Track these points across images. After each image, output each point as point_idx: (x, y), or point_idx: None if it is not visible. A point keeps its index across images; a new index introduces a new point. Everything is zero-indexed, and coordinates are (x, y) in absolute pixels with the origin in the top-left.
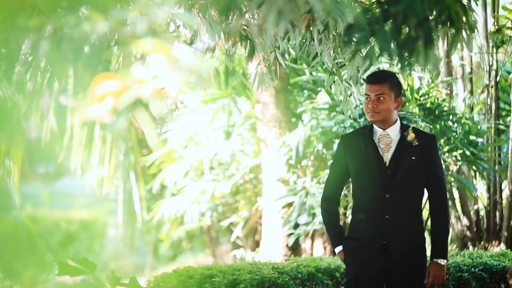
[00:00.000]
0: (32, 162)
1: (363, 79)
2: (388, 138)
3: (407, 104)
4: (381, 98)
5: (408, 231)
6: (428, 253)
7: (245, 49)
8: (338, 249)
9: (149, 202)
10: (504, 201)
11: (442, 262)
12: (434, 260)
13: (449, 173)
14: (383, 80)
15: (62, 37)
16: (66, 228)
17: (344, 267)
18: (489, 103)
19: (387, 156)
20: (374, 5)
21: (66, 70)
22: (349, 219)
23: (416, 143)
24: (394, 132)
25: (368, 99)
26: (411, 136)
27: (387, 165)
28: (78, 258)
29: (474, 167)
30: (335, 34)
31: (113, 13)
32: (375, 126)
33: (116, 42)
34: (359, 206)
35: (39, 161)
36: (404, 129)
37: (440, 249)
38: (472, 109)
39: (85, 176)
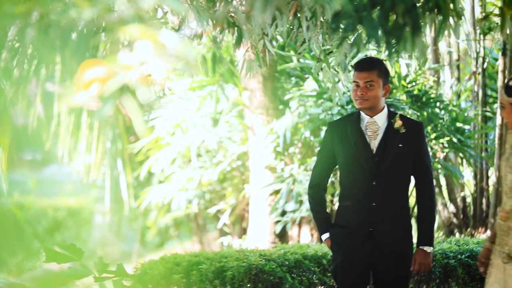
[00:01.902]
0: (19, 149)
1: (351, 66)
2: (375, 126)
3: (394, 91)
4: (370, 85)
5: (395, 218)
6: (415, 240)
7: (233, 36)
8: (325, 236)
9: (136, 189)
10: (491, 188)
11: (428, 249)
12: (420, 247)
13: (436, 160)
14: (372, 67)
15: (49, 23)
16: (53, 215)
17: (331, 254)
18: (476, 90)
19: (374, 144)
20: None
21: (53, 57)
22: (336, 206)
23: (403, 131)
24: (381, 119)
25: (357, 86)
26: (398, 123)
27: (374, 152)
28: (66, 244)
29: (461, 154)
30: (322, 21)
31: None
32: (362, 113)
33: (103, 29)
34: (346, 193)
35: (26, 148)
36: (391, 116)
37: (426, 237)
38: (459, 96)
39: (72, 163)
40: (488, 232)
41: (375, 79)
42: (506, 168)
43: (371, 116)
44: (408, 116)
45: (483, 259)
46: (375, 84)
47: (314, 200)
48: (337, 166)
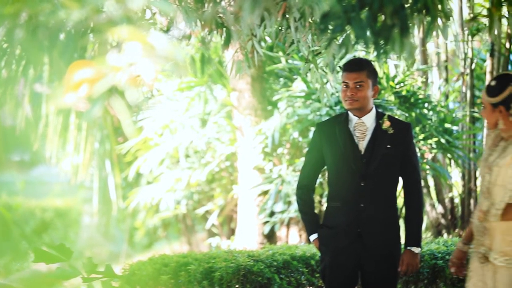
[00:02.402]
0: (7, 150)
1: (339, 67)
2: (363, 126)
3: (382, 92)
4: (359, 86)
5: (383, 219)
6: (403, 241)
7: (221, 36)
8: (313, 236)
9: (125, 190)
10: (479, 189)
11: (416, 250)
12: (408, 248)
13: (424, 161)
14: (361, 68)
15: (37, 24)
16: (41, 216)
17: (319, 255)
18: (464, 91)
19: (362, 144)
20: None
21: (42, 58)
22: (324, 207)
23: (392, 131)
24: (369, 120)
25: (346, 86)
26: (386, 124)
27: (362, 153)
28: (55, 245)
29: (449, 155)
30: (311, 21)
31: (88, 0)
32: (350, 114)
33: (91, 30)
34: (334, 194)
35: (14, 149)
36: (379, 117)
37: (414, 237)
38: (447, 97)
39: (60, 164)
40: None
41: (364, 80)
42: (483, 169)
43: (359, 117)
44: (397, 117)
45: (455, 259)
46: (365, 85)
47: (303, 201)
48: (325, 167)
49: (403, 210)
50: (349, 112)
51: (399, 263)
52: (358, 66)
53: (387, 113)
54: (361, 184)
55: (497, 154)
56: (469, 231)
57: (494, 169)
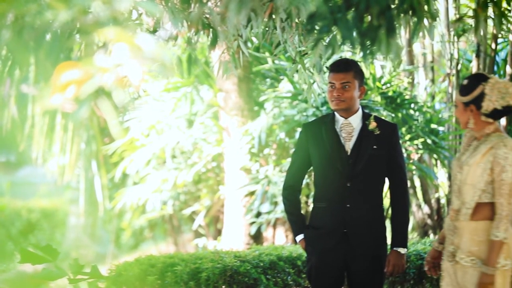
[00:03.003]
0: None
1: (326, 67)
2: (350, 127)
3: (369, 92)
4: (346, 87)
5: (369, 219)
6: (389, 241)
7: (208, 37)
8: (299, 237)
9: (111, 190)
10: None
11: (402, 251)
12: (394, 248)
13: (411, 161)
14: (348, 68)
15: (23, 25)
16: (27, 217)
17: (306, 255)
18: (450, 91)
19: (348, 145)
20: None
21: (28, 58)
22: (311, 208)
23: (378, 132)
24: (356, 121)
25: (333, 87)
26: (372, 125)
27: (348, 154)
28: (41, 246)
29: (435, 156)
30: (297, 22)
31: (75, 1)
32: (337, 115)
33: (78, 31)
34: (320, 195)
35: (0, 150)
36: (366, 118)
37: (400, 238)
38: (433, 98)
39: (47, 164)
40: None
41: (351, 80)
42: (455, 168)
43: (346, 118)
44: (383, 117)
45: (429, 258)
46: (351, 85)
47: (289, 201)
48: (311, 168)
49: (390, 211)
50: (335, 113)
51: (385, 263)
52: (344, 67)
53: (374, 113)
54: (347, 185)
55: (469, 153)
56: (443, 230)
57: (465, 168)
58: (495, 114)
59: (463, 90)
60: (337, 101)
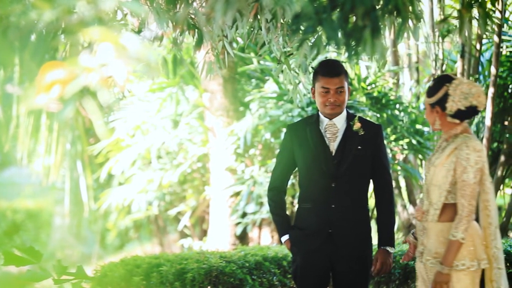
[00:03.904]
0: None
1: (311, 67)
2: (334, 128)
3: (354, 93)
4: (341, 91)
5: (354, 220)
6: (374, 241)
7: (193, 37)
8: (285, 238)
9: (96, 191)
10: None
11: (390, 250)
12: (382, 247)
13: (396, 161)
14: (341, 72)
15: (8, 25)
16: (12, 217)
17: (291, 256)
18: None
19: (333, 146)
20: None
21: (13, 59)
22: (296, 208)
23: (362, 133)
24: (340, 121)
25: (327, 92)
26: (357, 125)
27: (333, 154)
28: (24, 247)
29: (420, 156)
30: (282, 22)
31: (59, 1)
32: (321, 116)
33: (63, 31)
34: (305, 196)
35: None
36: (350, 118)
37: (387, 237)
38: (418, 98)
39: (32, 165)
40: None
41: (344, 84)
42: (426, 168)
43: (331, 119)
44: (368, 118)
45: (410, 252)
46: (344, 89)
47: (274, 202)
48: (296, 168)
49: (375, 211)
50: (320, 114)
51: (373, 262)
52: (338, 71)
53: (359, 114)
54: (332, 185)
55: (438, 154)
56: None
57: (431, 169)
58: (460, 115)
59: (429, 91)
60: (332, 106)
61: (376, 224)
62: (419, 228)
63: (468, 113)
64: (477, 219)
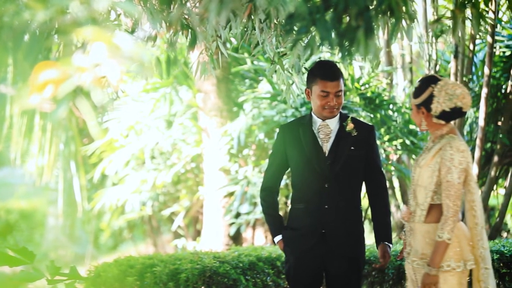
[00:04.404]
0: None
1: (304, 68)
2: (327, 129)
3: (348, 93)
4: (339, 94)
5: (347, 220)
6: (367, 241)
7: (187, 38)
8: (278, 238)
9: (90, 191)
10: None
11: (390, 246)
12: (382, 242)
13: (389, 162)
14: (340, 75)
15: (1, 25)
16: (6, 218)
17: (284, 256)
18: None
19: (326, 147)
20: None
21: (6, 59)
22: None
23: (355, 134)
24: (333, 122)
25: (326, 95)
26: (350, 126)
27: (326, 155)
28: (18, 248)
29: (414, 156)
30: (276, 23)
31: (53, 1)
32: (314, 116)
33: (56, 31)
34: (298, 196)
35: None
36: (343, 119)
37: (385, 233)
38: None
39: (25, 165)
40: None
41: (342, 87)
42: (413, 169)
43: (323, 120)
44: (362, 118)
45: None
46: (342, 92)
47: (267, 202)
48: (289, 169)
49: (369, 212)
50: (312, 114)
51: (379, 256)
52: (337, 74)
53: (353, 114)
54: (326, 186)
55: (424, 155)
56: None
57: (417, 170)
58: (445, 116)
59: (415, 92)
60: (332, 109)
61: (372, 223)
62: (406, 229)
63: (453, 114)
64: (463, 220)
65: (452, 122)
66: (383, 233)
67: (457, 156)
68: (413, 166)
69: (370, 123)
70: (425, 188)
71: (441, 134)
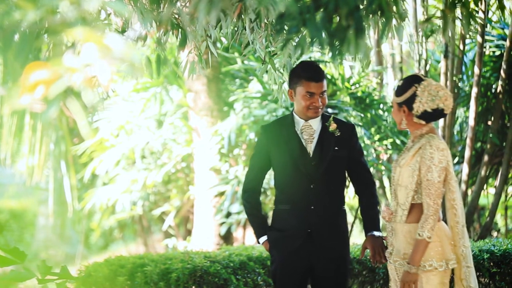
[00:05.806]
0: None
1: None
2: (311, 129)
3: (338, 93)
4: (324, 95)
5: (333, 220)
6: (352, 241)
7: (177, 37)
8: (263, 239)
9: (80, 191)
10: None
11: (377, 233)
12: (369, 234)
13: (380, 161)
14: (324, 76)
15: None
16: None
17: (271, 256)
18: None
19: (310, 147)
20: None
21: None
22: None
23: (338, 133)
24: (316, 122)
25: (312, 96)
26: (333, 126)
27: (311, 156)
28: (8, 247)
29: None
30: (267, 22)
31: (43, 1)
32: (296, 117)
33: (46, 31)
34: (283, 197)
35: None
36: (324, 119)
37: (372, 223)
38: None
39: (15, 165)
40: None
41: (326, 87)
42: (392, 169)
43: (306, 120)
44: (352, 118)
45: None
46: (326, 92)
47: (250, 203)
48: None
49: (359, 212)
50: (294, 114)
51: (370, 252)
52: (322, 75)
53: (343, 114)
54: (311, 187)
55: (404, 155)
56: None
57: (397, 169)
58: (426, 117)
59: (397, 90)
60: (317, 110)
61: (361, 216)
62: (387, 229)
63: (434, 115)
64: (444, 219)
65: (432, 122)
66: (369, 223)
67: (437, 155)
68: (393, 166)
69: (350, 122)
70: (406, 187)
71: (421, 133)
